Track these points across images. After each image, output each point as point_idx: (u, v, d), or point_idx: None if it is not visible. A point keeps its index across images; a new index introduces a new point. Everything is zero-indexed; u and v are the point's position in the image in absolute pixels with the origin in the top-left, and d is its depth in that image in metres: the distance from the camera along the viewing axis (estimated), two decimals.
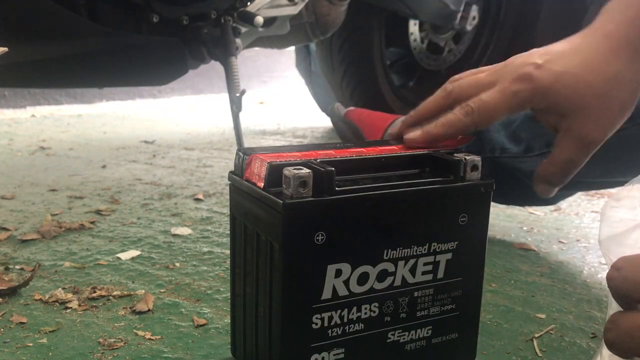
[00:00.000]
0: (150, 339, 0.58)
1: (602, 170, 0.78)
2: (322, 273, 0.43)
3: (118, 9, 0.98)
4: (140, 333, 0.59)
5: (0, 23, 0.87)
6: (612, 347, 0.34)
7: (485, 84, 0.53)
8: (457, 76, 0.56)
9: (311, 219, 0.42)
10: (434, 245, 0.47)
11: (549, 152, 0.79)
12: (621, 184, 0.43)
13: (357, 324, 0.46)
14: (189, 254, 0.82)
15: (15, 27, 0.89)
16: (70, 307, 0.64)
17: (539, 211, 1.05)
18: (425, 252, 0.46)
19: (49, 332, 0.59)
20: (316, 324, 0.44)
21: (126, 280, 0.72)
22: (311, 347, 0.45)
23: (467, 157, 0.47)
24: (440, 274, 0.48)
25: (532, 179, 0.56)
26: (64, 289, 0.68)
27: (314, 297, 0.44)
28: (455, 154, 0.48)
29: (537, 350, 0.58)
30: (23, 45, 0.91)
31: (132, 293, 0.68)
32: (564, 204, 1.07)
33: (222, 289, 0.70)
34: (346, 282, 0.44)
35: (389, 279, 0.46)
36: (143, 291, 0.68)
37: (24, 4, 0.86)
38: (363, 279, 0.45)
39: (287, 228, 0.41)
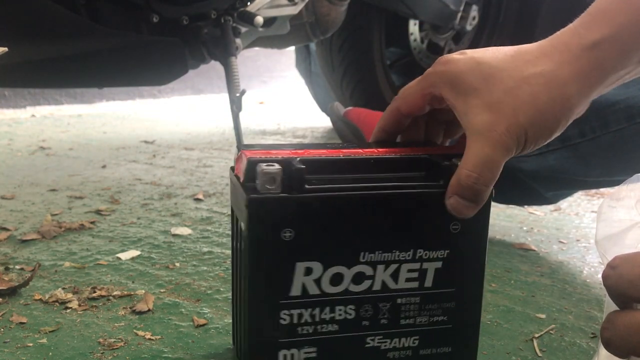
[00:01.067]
0: (150, 339, 0.58)
1: (602, 169, 0.78)
2: (290, 269, 0.43)
3: (118, 9, 0.98)
4: (140, 333, 0.59)
5: (1, 23, 0.87)
6: (608, 347, 0.34)
7: None
8: None
9: (278, 215, 0.42)
10: (420, 252, 0.45)
11: (548, 151, 0.80)
12: (621, 183, 0.43)
13: (330, 325, 0.45)
14: (189, 254, 0.82)
15: (15, 27, 0.88)
16: (70, 307, 0.64)
17: (539, 211, 1.05)
18: (410, 258, 0.45)
19: (49, 332, 0.59)
20: (284, 319, 0.44)
21: (126, 280, 0.72)
22: (279, 342, 0.45)
23: None
24: (428, 283, 0.46)
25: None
26: (64, 289, 0.68)
27: (282, 292, 0.44)
28: (454, 159, 0.45)
29: (537, 350, 0.58)
30: (23, 45, 0.90)
31: (132, 293, 0.68)
32: (564, 204, 1.07)
33: (222, 289, 0.70)
34: (317, 281, 0.44)
35: (367, 282, 0.45)
36: (143, 291, 0.68)
37: (24, 4, 0.86)
38: (337, 279, 0.44)
39: (252, 222, 0.42)
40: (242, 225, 0.44)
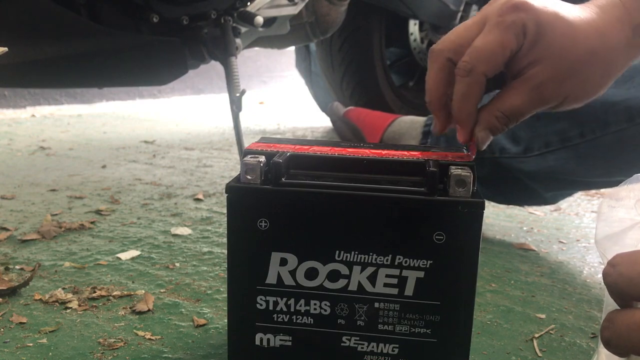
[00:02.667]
0: (150, 339, 0.58)
1: (602, 170, 0.78)
2: (266, 258, 0.45)
3: (118, 9, 0.98)
4: (140, 333, 0.59)
5: (1, 23, 0.87)
6: (608, 345, 0.34)
7: (472, 25, 0.47)
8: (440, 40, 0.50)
9: (254, 205, 0.44)
10: (399, 259, 0.44)
11: (548, 152, 0.80)
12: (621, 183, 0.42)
13: (305, 317, 0.46)
14: (189, 254, 0.82)
15: (15, 27, 0.89)
16: (70, 307, 0.64)
17: (539, 211, 1.05)
18: (388, 263, 0.44)
19: (49, 332, 0.59)
20: (260, 304, 0.46)
21: (126, 280, 0.72)
22: (256, 325, 0.47)
23: (453, 171, 0.43)
24: (408, 292, 0.45)
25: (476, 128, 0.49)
26: (64, 289, 0.68)
27: (258, 279, 0.46)
28: (452, 166, 0.44)
29: (537, 350, 0.58)
30: (23, 45, 0.90)
31: (132, 293, 0.68)
32: (564, 204, 1.07)
33: (222, 289, 0.70)
34: (292, 273, 0.45)
35: (343, 281, 0.45)
36: (143, 291, 0.68)
37: (24, 4, 0.86)
38: (311, 273, 0.45)
39: (230, 209, 0.45)
40: None
